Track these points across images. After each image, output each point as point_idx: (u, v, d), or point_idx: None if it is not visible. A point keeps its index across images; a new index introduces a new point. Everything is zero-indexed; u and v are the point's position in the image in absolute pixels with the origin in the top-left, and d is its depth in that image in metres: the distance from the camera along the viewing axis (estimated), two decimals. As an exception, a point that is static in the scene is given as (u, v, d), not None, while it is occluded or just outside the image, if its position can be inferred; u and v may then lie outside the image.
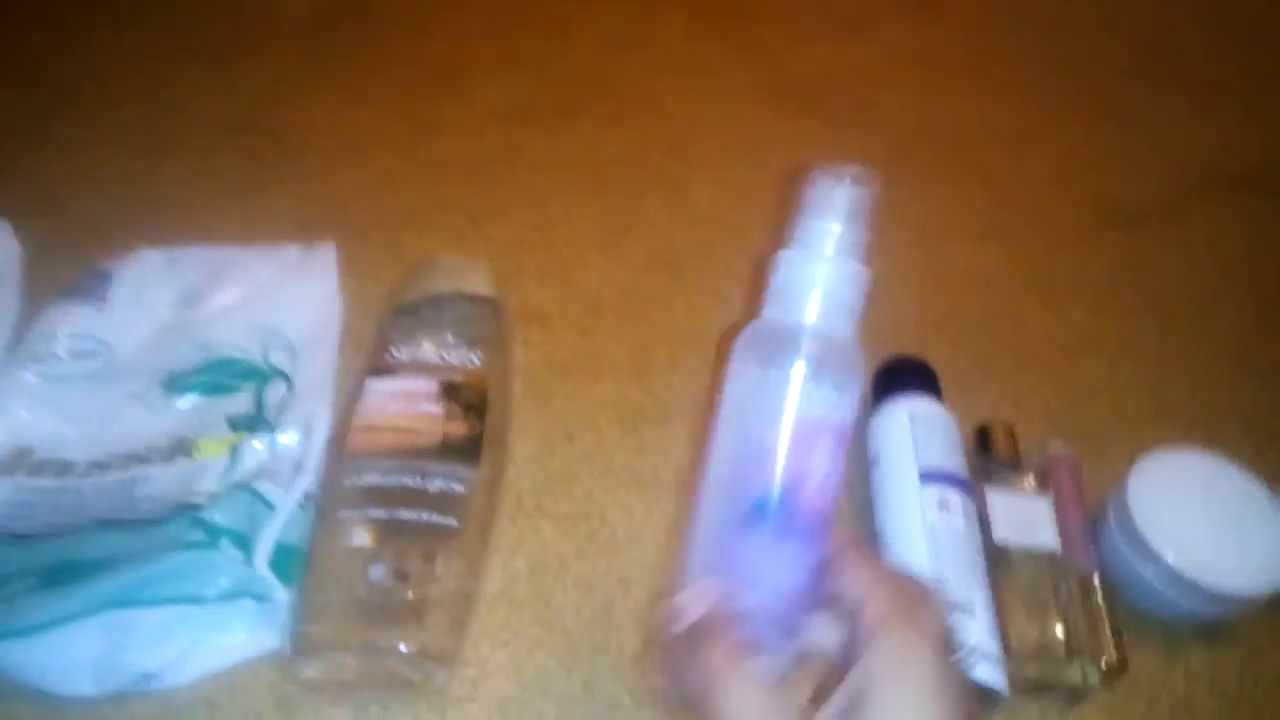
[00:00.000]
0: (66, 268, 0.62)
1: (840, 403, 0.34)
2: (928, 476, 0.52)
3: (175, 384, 0.57)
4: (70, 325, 0.58)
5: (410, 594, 0.44)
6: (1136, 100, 0.91)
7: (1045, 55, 0.96)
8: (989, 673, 0.45)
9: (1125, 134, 0.87)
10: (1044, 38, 0.99)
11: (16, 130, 0.75)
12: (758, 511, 0.33)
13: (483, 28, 0.91)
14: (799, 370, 0.33)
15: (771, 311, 0.35)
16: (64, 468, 0.53)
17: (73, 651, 0.44)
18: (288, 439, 0.53)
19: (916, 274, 0.70)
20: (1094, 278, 0.73)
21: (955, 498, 0.51)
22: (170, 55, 0.84)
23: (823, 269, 0.34)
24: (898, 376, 0.58)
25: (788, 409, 0.33)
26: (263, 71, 0.83)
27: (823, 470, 0.34)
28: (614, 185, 0.75)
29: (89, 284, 0.60)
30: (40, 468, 0.53)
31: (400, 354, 0.55)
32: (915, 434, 0.53)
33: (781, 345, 0.34)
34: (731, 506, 0.34)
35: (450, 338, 0.56)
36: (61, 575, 0.46)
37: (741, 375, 0.35)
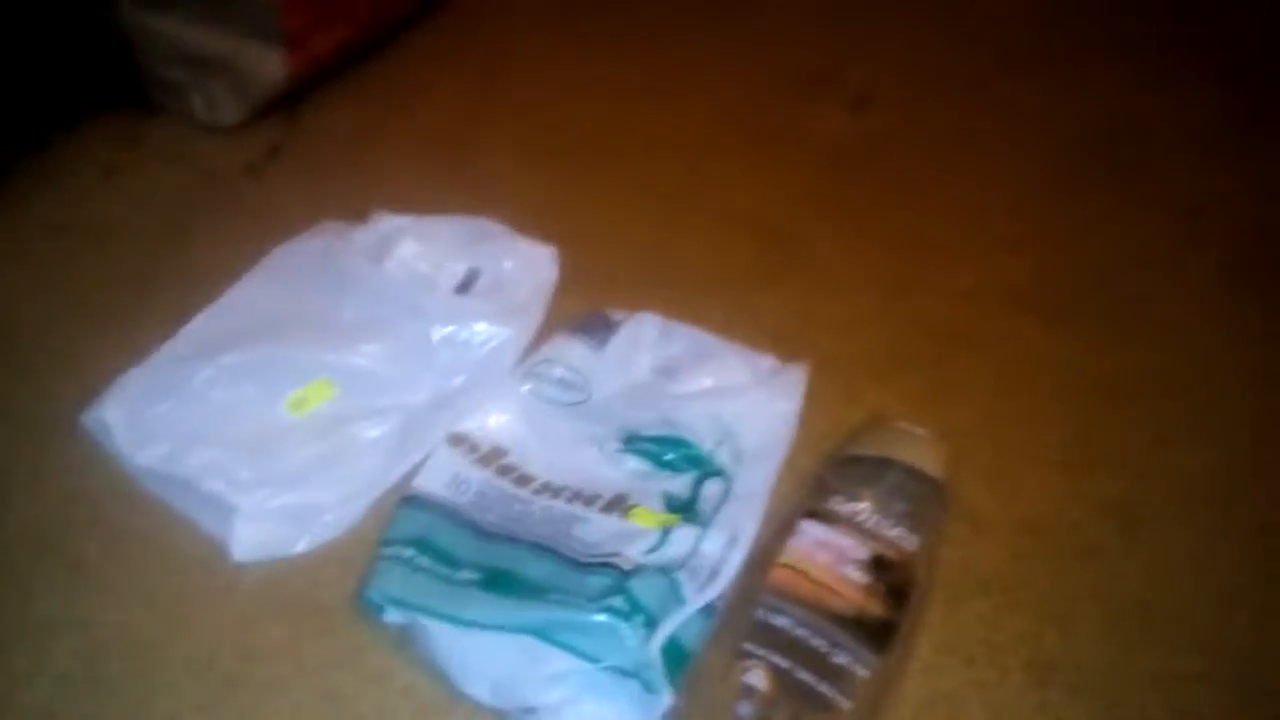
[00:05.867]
0: (576, 303, 0.71)
1: None
2: None
3: (631, 442, 0.62)
4: (568, 359, 0.66)
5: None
6: None
7: None
8: None
9: None
10: None
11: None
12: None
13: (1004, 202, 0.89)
14: None
15: None
16: (524, 479, 0.60)
17: (490, 658, 0.48)
18: (713, 542, 0.55)
19: None
20: None
21: None
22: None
23: None
24: None
25: None
26: (794, 181, 0.88)
27: None
28: (1091, 408, 0.70)
29: (595, 328, 0.68)
30: (507, 470, 0.60)
31: (839, 505, 0.55)
32: None
33: None
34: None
35: (892, 508, 0.55)
36: (501, 582, 0.52)
37: None
